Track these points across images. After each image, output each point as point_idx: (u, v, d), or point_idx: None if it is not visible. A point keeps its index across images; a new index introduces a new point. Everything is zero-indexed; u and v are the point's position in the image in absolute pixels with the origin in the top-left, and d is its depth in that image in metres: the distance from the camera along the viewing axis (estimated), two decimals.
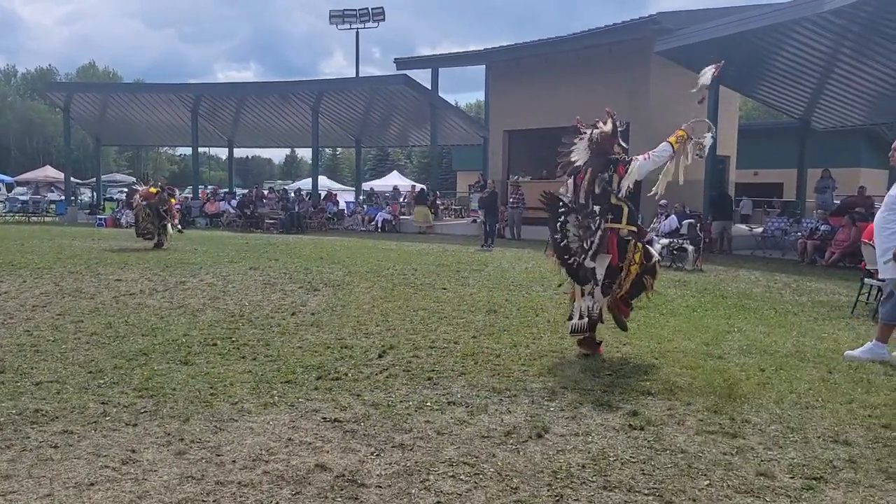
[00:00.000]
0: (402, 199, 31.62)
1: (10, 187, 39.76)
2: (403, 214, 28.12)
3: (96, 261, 13.18)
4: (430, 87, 27.29)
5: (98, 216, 25.81)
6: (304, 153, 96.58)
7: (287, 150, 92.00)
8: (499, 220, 24.16)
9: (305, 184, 49.02)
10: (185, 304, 8.83)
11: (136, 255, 14.61)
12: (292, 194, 31.80)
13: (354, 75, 35.46)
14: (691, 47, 18.10)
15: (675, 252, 14.98)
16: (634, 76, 21.94)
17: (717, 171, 21.54)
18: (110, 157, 74.81)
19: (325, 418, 4.70)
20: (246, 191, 32.10)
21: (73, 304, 8.71)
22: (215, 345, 6.70)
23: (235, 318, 7.99)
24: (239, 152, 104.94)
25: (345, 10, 39.52)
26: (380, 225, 25.32)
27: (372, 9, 39.07)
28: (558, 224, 6.56)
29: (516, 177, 24.98)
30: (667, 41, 19.26)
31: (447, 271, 12.76)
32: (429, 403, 5.08)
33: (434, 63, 26.69)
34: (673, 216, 15.87)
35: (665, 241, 14.97)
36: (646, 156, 6.52)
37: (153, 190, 17.36)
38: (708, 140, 6.87)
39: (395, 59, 26.54)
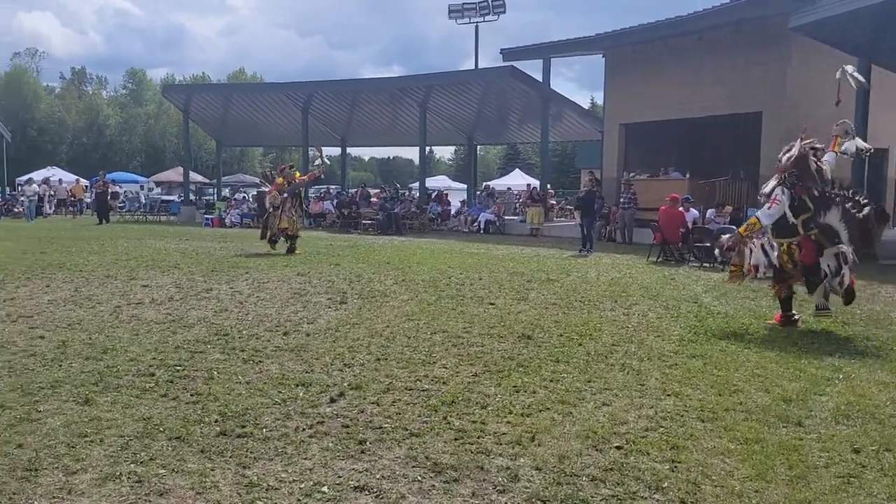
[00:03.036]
0: (517, 199, 30.08)
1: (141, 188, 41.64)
2: (511, 215, 26.57)
3: (147, 263, 12.63)
4: (541, 79, 25.48)
5: (206, 216, 26.08)
6: (443, 151, 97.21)
7: (425, 149, 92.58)
8: (609, 222, 22.19)
9: (433, 182, 48.60)
10: (182, 318, 7.84)
11: (197, 255, 14.00)
12: (406, 193, 31.06)
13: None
14: (836, 20, 15.25)
15: None
16: (768, 58, 19.19)
17: (873, 166, 18.41)
18: (255, 159, 78.11)
19: None
20: (353, 190, 31.60)
21: (63, 313, 7.94)
22: (152, 375, 5.58)
23: (214, 339, 6.87)
24: (381, 153, 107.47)
25: (464, 3, 38.28)
26: (482, 226, 23.90)
27: (492, 1, 37.62)
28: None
29: (632, 174, 22.78)
30: (806, 13, 16.46)
31: (516, 282, 11.16)
32: (325, 489, 3.63)
33: (544, 52, 24.84)
34: None
35: None
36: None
37: (280, 180, 15.70)
38: (850, 146, 7.59)
39: (502, 49, 24.96)
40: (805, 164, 7.85)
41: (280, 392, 5.22)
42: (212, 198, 32.76)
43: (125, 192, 39.76)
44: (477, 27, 39.00)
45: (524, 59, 25.44)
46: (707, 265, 14.18)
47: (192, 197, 32.66)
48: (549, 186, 39.37)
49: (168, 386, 5.31)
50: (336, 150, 37.16)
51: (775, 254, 7.84)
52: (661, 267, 14.09)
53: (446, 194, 30.20)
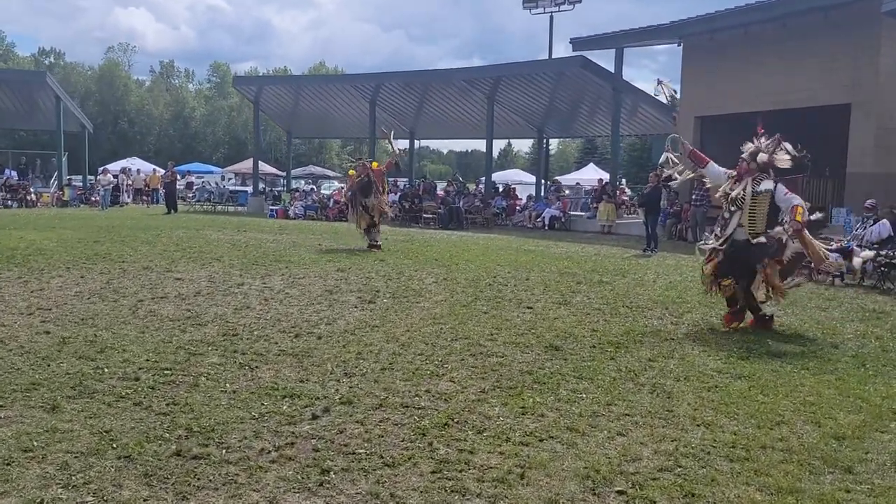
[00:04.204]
0: (586, 195, 29.10)
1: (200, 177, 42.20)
2: (580, 211, 25.66)
3: (191, 255, 12.48)
4: (613, 70, 24.43)
5: (271, 207, 26.18)
6: (521, 145, 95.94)
7: (503, 143, 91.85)
8: (680, 220, 21.07)
9: (504, 176, 47.84)
10: (199, 315, 7.53)
11: (246, 247, 13.81)
12: (474, 188, 30.48)
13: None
14: None
15: (883, 269, 11.42)
16: (857, 46, 17.70)
17: None
18: (333, 151, 78.94)
19: None
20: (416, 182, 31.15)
21: (83, 307, 7.75)
22: (136, 380, 5.24)
23: (220, 340, 6.51)
24: (459, 145, 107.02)
25: None
26: (547, 222, 23.10)
27: None
28: None
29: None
30: None
31: (563, 283, 10.48)
32: None
33: (616, 42, 23.77)
34: (884, 222, 12.13)
35: (869, 252, 11.35)
36: None
37: (352, 173, 15.21)
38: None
39: (572, 38, 24.00)
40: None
41: (263, 404, 4.78)
42: (282, 189, 33.00)
43: (203, 182, 40.67)
44: (552, 17, 37.98)
45: (595, 48, 24.43)
46: None
47: (262, 188, 32.97)
48: (623, 181, 38.17)
49: (147, 393, 4.95)
50: (405, 143, 36.79)
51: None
52: None
53: (513, 188, 29.46)
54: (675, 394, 5.21)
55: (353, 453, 4.02)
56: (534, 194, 28.37)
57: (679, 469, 3.89)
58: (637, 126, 30.00)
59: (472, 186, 30.85)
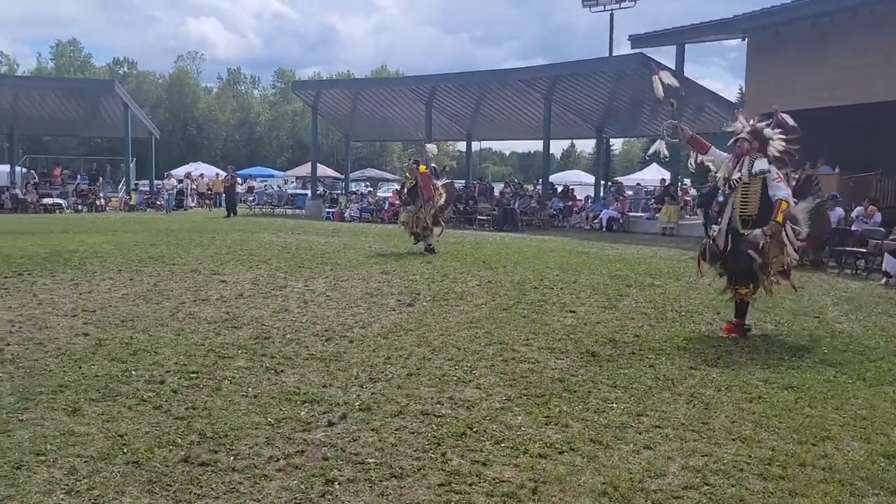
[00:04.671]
0: (646, 195, 28.45)
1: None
2: (640, 212, 25.08)
3: (240, 257, 12.61)
4: (674, 67, 23.79)
5: (328, 210, 26.42)
6: (583, 145, 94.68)
7: (566, 143, 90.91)
8: None
9: (564, 177, 47.27)
10: (236, 318, 7.55)
11: (296, 249, 13.88)
12: (530, 189, 30.14)
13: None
14: None
15: None
16: None
17: None
18: (394, 153, 79.50)
19: None
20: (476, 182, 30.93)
21: (126, 309, 7.86)
22: (161, 383, 5.24)
23: (252, 343, 6.50)
24: (521, 146, 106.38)
25: None
26: (604, 224, 22.63)
27: None
28: None
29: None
30: None
31: (613, 286, 10.17)
32: None
33: (677, 38, 23.11)
34: None
35: None
36: None
37: (408, 175, 14.87)
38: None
39: (630, 35, 23.47)
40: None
41: (281, 410, 4.70)
42: (340, 192, 33.32)
43: (265, 185, 41.45)
44: (612, 14, 37.37)
45: (655, 45, 23.87)
46: (848, 272, 12.49)
47: (320, 191, 33.35)
48: (687, 182, 37.17)
49: (169, 397, 4.93)
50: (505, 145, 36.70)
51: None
52: (795, 272, 12.51)
53: (572, 190, 29.02)
54: (714, 405, 4.91)
55: (363, 463, 3.89)
56: (592, 195, 27.85)
57: (706, 487, 3.63)
58: (703, 125, 29.03)
59: (529, 187, 30.54)
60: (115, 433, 4.24)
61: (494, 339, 6.73)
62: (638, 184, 32.83)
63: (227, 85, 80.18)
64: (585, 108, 28.48)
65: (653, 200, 26.17)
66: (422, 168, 14.35)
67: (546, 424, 4.50)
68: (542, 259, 13.35)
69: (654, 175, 39.55)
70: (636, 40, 23.37)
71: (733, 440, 4.27)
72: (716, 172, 7.51)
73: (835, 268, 12.84)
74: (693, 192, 30.59)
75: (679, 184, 28.82)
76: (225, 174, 28.76)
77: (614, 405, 4.88)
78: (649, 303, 8.88)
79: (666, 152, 7.92)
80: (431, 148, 15.03)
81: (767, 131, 7.04)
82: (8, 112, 31.40)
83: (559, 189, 29.11)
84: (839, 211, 14.66)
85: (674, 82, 7.72)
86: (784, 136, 7.05)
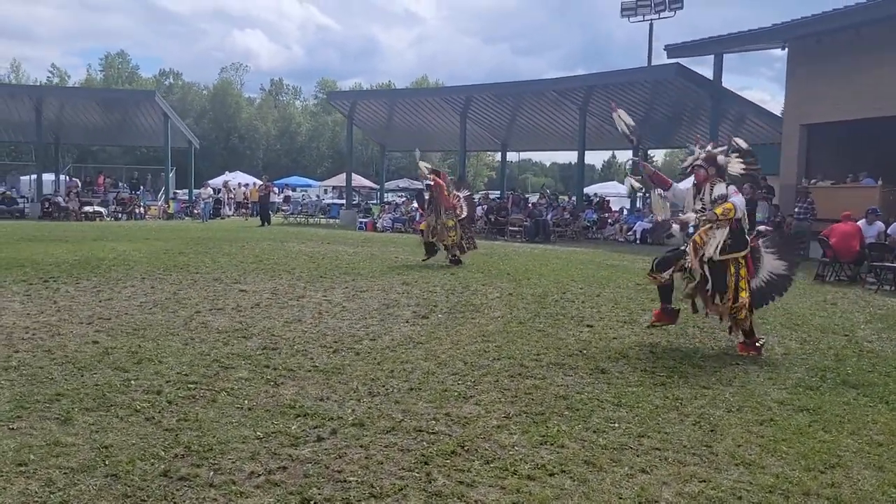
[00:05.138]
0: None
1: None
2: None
3: (265, 266, 12.65)
4: (712, 77, 23.35)
5: (361, 219, 26.48)
6: (625, 156, 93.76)
7: (607, 154, 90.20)
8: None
9: (603, 188, 46.83)
10: (248, 328, 7.52)
11: (322, 259, 13.88)
12: (565, 200, 29.87)
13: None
14: None
15: None
16: None
17: None
18: (433, 163, 79.63)
19: None
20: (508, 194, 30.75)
21: (141, 318, 7.89)
22: (158, 393, 5.20)
23: (257, 354, 6.44)
24: (562, 157, 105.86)
25: (638, 0, 36.34)
26: (639, 236, 22.26)
27: None
28: None
29: (812, 181, 20.25)
30: None
31: (637, 300, 9.97)
32: None
33: (714, 47, 22.66)
34: None
35: None
36: None
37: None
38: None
39: (666, 45, 23.11)
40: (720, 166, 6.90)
41: (273, 423, 4.62)
42: (375, 202, 33.43)
43: (304, 195, 41.81)
44: (651, 25, 36.96)
45: (691, 55, 23.45)
46: (887, 288, 12.03)
47: (357, 200, 33.50)
48: None
49: (163, 407, 4.89)
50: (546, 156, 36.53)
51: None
52: (830, 288, 12.13)
53: (607, 201, 28.66)
54: (721, 427, 4.69)
55: (344, 481, 3.78)
56: (629, 207, 27.45)
57: None
58: (743, 136, 28.45)
59: (564, 199, 30.25)
60: (100, 444, 4.19)
61: (504, 354, 6.58)
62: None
63: (269, 95, 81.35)
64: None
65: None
66: (433, 178, 14.15)
67: (541, 444, 4.34)
68: (569, 271, 13.14)
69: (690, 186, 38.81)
70: (672, 50, 22.98)
71: (736, 465, 4.06)
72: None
73: (873, 284, 12.38)
74: None
75: None
76: (260, 184, 29.06)
77: (616, 425, 4.70)
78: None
79: (637, 185, 7.76)
80: (424, 166, 14.63)
81: (721, 157, 6.89)
82: (53, 122, 32.23)
83: (594, 200, 28.78)
84: (879, 225, 14.18)
85: (629, 121, 7.61)
86: (742, 160, 6.90)
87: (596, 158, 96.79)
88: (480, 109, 29.80)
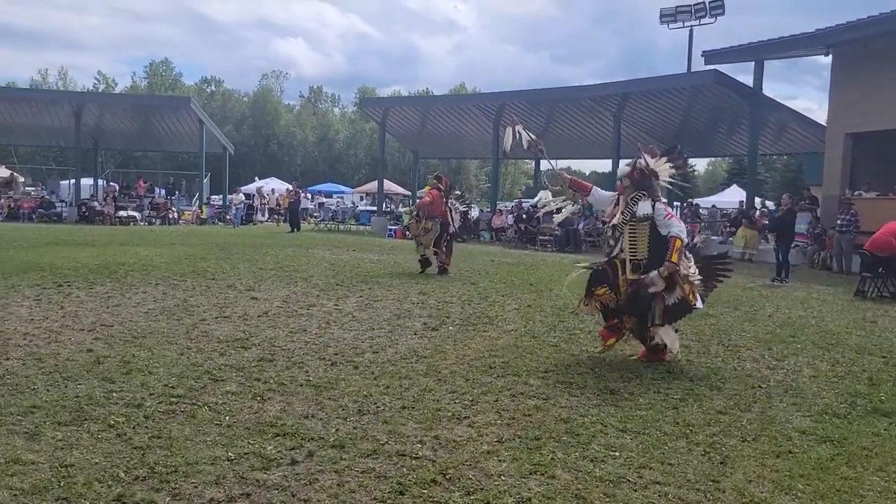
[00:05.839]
0: (722, 218, 27.19)
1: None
2: (714, 235, 23.88)
3: (282, 274, 12.46)
4: (752, 84, 22.65)
5: (390, 227, 26.28)
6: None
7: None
8: (823, 247, 19.06)
9: None
10: (249, 338, 7.29)
11: (342, 266, 13.66)
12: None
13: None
14: None
15: None
16: None
17: None
18: (470, 172, 79.41)
19: None
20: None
21: (144, 325, 7.72)
22: (138, 406, 4.98)
23: (251, 365, 6.20)
24: (602, 166, 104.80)
25: (677, 6, 35.57)
26: None
27: (709, 2, 34.56)
28: None
29: (857, 192, 19.48)
30: None
31: None
32: None
33: (754, 53, 21.97)
34: None
35: None
36: None
37: (429, 187, 13.96)
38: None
39: (703, 51, 22.47)
40: (645, 182, 6.63)
41: (249, 443, 4.34)
42: (407, 209, 33.22)
43: (337, 201, 41.85)
44: (691, 31, 36.13)
45: (730, 61, 22.82)
46: None
47: (389, 208, 33.36)
48: (767, 204, 35.48)
49: (139, 423, 4.65)
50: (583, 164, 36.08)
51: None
52: (870, 304, 11.53)
53: None
54: (733, 458, 4.29)
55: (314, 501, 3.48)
56: None
57: None
58: (786, 144, 27.80)
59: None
60: (62, 463, 3.96)
61: (509, 371, 6.24)
62: (713, 206, 31.47)
63: (308, 103, 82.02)
64: (657, 127, 27.53)
65: (727, 223, 24.98)
66: (427, 187, 13.98)
67: (531, 473, 3.99)
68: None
69: (733, 197, 38.00)
70: (710, 56, 22.40)
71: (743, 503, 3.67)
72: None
73: None
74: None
75: (761, 206, 27.48)
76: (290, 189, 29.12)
77: (617, 453, 4.33)
78: (695, 334, 8.19)
79: (551, 199, 7.60)
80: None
81: (641, 163, 6.65)
82: (92, 128, 32.75)
83: None
84: None
85: (526, 135, 7.51)
86: (672, 164, 6.72)
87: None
88: (514, 116, 29.43)
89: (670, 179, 6.77)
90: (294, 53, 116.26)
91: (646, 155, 6.73)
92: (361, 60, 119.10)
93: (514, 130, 7.44)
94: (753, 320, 9.43)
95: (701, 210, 30.05)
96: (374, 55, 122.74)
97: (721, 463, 4.23)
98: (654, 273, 6.42)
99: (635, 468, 4.11)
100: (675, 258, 6.33)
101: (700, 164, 74.07)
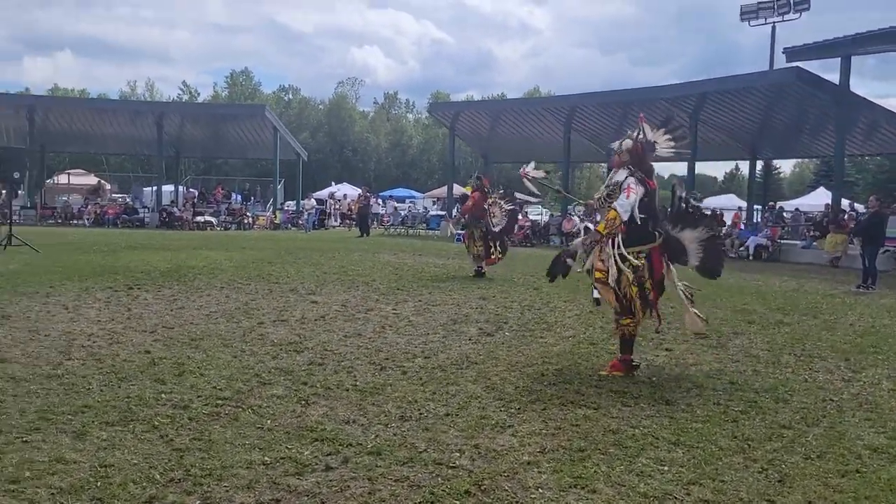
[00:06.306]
0: (806, 221, 26.06)
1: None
2: (797, 239, 22.96)
3: (344, 278, 12.53)
4: (837, 82, 21.64)
5: (458, 232, 26.18)
6: (745, 166, 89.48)
7: (730, 165, 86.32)
8: None
9: (718, 201, 44.57)
10: (303, 341, 7.31)
11: (405, 271, 13.64)
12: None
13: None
14: None
15: None
16: None
17: None
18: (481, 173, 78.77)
19: None
20: None
21: (204, 327, 7.84)
22: (185, 408, 5.02)
23: (300, 369, 6.19)
24: (680, 168, 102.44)
25: (759, 2, 34.37)
26: (752, 251, 20.85)
27: None
28: None
29: None
30: None
31: (731, 322, 9.20)
32: None
33: (838, 50, 20.94)
34: None
35: None
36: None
37: (470, 188, 14.03)
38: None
39: (784, 48, 21.61)
40: (642, 157, 6.25)
41: (286, 447, 4.30)
42: None
43: (409, 206, 42.11)
44: (773, 28, 34.85)
45: (813, 58, 21.90)
46: None
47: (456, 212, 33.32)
48: (856, 207, 33.88)
49: (183, 424, 4.68)
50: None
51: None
52: None
53: (720, 214, 27.10)
54: (793, 477, 4.00)
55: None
56: (741, 220, 25.87)
57: None
58: (877, 144, 26.52)
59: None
60: (102, 463, 4.00)
61: (561, 378, 6.04)
62: (796, 209, 30.21)
63: (382, 109, 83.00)
64: (736, 127, 26.63)
65: (810, 227, 23.91)
66: (467, 188, 13.87)
67: (571, 487, 3.81)
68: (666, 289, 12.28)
69: (819, 199, 36.40)
70: (792, 53, 21.54)
71: None
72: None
73: None
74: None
75: (849, 209, 26.19)
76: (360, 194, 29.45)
77: (666, 468, 4.09)
78: (766, 344, 7.80)
79: (583, 224, 7.49)
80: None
81: (627, 142, 6.26)
82: (173, 136, 33.96)
83: None
84: None
85: (539, 174, 7.52)
86: (665, 130, 6.37)
87: (717, 170, 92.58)
88: (585, 119, 29.00)
89: (668, 152, 6.39)
90: (370, 61, 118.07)
91: (645, 125, 6.41)
92: (436, 66, 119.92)
93: (528, 180, 7.50)
94: (832, 329, 8.92)
95: (784, 213, 28.90)
96: (448, 61, 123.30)
97: (779, 481, 3.95)
98: (577, 240, 6.42)
99: (684, 484, 3.87)
100: (601, 227, 6.06)
101: (786, 166, 71.33)
